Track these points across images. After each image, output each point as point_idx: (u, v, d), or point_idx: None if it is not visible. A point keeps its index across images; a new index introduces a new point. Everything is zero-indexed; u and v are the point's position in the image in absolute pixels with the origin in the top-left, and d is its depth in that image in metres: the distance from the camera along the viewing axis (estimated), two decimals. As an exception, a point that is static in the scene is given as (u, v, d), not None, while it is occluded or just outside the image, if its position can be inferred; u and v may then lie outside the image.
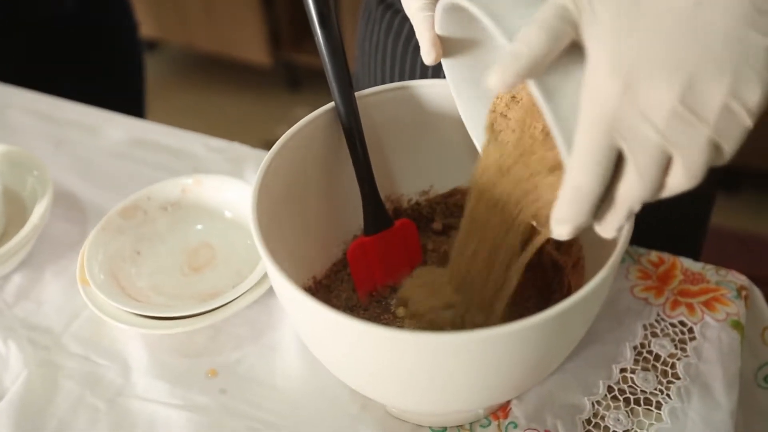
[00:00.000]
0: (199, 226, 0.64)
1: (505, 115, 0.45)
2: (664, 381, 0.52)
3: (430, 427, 0.50)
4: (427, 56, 0.45)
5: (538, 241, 0.44)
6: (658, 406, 0.51)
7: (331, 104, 0.49)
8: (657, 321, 0.56)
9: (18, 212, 0.65)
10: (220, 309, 0.54)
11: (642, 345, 0.54)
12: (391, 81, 0.51)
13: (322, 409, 0.52)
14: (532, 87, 0.36)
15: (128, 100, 1.11)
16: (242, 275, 0.59)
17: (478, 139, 0.48)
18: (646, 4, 0.32)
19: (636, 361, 0.53)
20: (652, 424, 0.50)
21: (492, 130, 0.45)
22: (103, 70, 1.06)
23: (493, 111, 0.45)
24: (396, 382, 0.42)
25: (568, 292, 0.51)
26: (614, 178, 0.34)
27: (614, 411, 0.50)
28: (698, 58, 0.31)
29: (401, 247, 0.54)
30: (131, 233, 0.62)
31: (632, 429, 0.49)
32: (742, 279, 0.58)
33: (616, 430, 0.49)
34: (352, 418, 0.51)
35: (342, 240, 0.55)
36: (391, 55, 0.68)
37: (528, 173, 0.42)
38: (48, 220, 0.64)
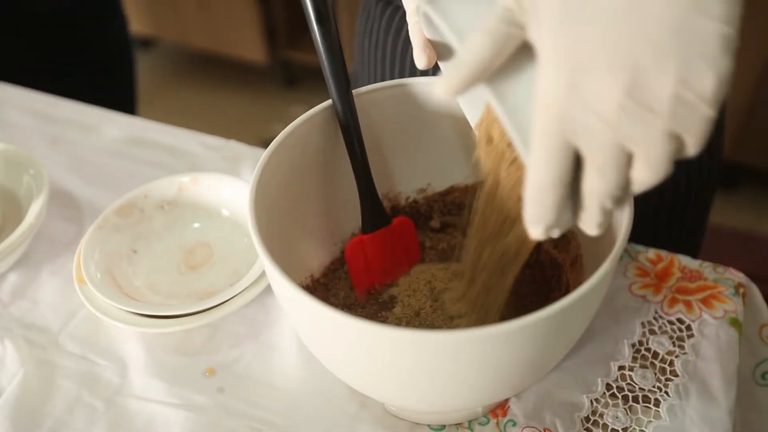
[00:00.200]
0: (196, 225, 0.63)
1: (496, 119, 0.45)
2: (663, 378, 0.52)
3: (428, 425, 0.50)
4: (419, 61, 0.45)
5: (531, 240, 0.44)
6: (657, 403, 0.51)
7: (328, 102, 0.49)
8: (655, 318, 0.56)
9: (14, 211, 0.64)
10: (218, 307, 0.54)
11: (640, 342, 0.54)
12: (391, 79, 0.51)
13: (321, 408, 0.52)
14: (486, 91, 0.36)
15: (120, 97, 1.11)
16: (240, 274, 0.59)
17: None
18: None
19: (634, 359, 0.53)
20: (650, 422, 0.50)
21: (487, 133, 0.45)
22: (93, 67, 1.05)
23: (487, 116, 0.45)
24: (395, 380, 0.42)
25: (567, 290, 0.51)
26: (579, 175, 0.34)
27: (613, 409, 0.50)
28: (642, 50, 0.30)
29: (399, 245, 0.54)
30: (128, 232, 0.61)
31: (631, 426, 0.49)
32: (739, 276, 0.58)
33: (614, 427, 0.49)
34: (351, 416, 0.51)
35: (340, 238, 0.55)
36: (391, 52, 0.68)
37: (519, 174, 0.42)
38: (44, 218, 0.64)
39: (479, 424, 0.50)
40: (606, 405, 0.51)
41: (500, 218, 0.45)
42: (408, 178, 0.56)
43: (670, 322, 0.55)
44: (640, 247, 0.60)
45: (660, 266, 0.59)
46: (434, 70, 0.65)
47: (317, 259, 0.54)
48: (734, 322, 0.55)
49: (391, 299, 0.53)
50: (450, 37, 0.37)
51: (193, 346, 0.56)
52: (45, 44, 0.98)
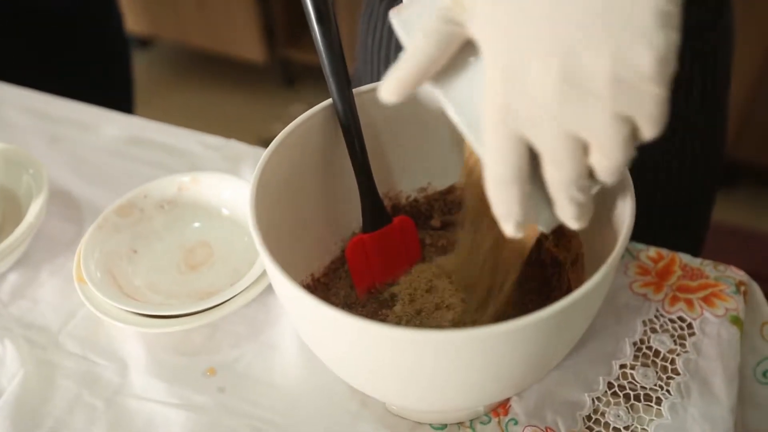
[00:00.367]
0: (197, 224, 0.63)
1: None
2: (664, 377, 0.52)
3: (430, 424, 0.50)
4: (385, 96, 0.44)
5: (528, 238, 0.44)
6: (658, 402, 0.50)
7: (329, 101, 0.49)
8: (656, 317, 0.55)
9: (13, 210, 0.64)
10: (218, 307, 0.54)
11: (641, 341, 0.54)
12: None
13: (322, 407, 0.51)
14: (435, 91, 0.36)
15: (116, 95, 1.11)
16: (240, 273, 0.59)
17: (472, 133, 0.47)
18: None
19: (636, 357, 0.53)
20: (652, 420, 0.50)
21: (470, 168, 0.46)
22: (91, 65, 1.05)
23: None
24: (396, 379, 0.42)
25: (568, 289, 0.50)
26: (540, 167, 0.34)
27: (614, 407, 0.50)
28: (572, 34, 0.30)
29: (400, 244, 0.54)
30: (128, 231, 0.61)
31: (632, 425, 0.49)
32: (740, 274, 0.58)
33: (616, 426, 0.49)
34: (352, 415, 0.51)
35: (340, 237, 0.55)
36: (395, 51, 0.68)
37: None
38: (44, 218, 0.63)
39: (481, 423, 0.50)
40: (608, 403, 0.51)
41: (493, 238, 0.45)
42: (408, 177, 0.56)
43: (672, 321, 0.55)
44: (640, 246, 0.60)
45: (661, 264, 0.59)
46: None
47: (318, 259, 0.54)
48: (735, 320, 0.55)
49: (392, 297, 0.53)
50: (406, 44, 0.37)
51: (193, 345, 0.56)
52: (43, 43, 0.98)
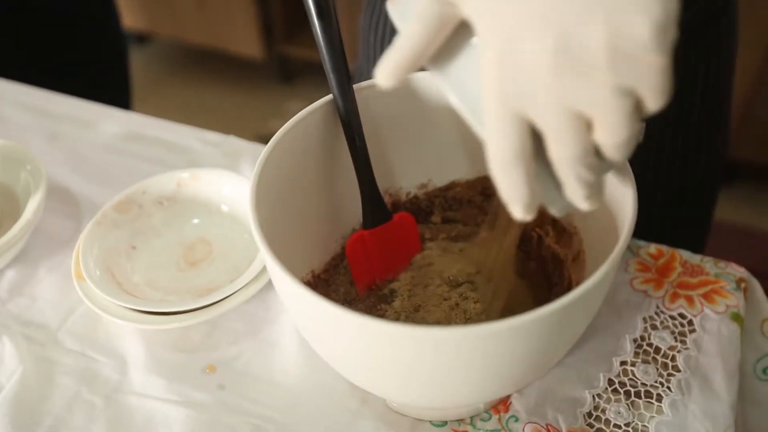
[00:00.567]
0: (196, 221, 0.63)
1: None
2: (665, 374, 0.52)
3: (430, 421, 0.50)
4: (382, 81, 0.44)
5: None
6: (659, 398, 0.50)
7: (329, 97, 0.48)
8: (657, 313, 0.55)
9: (11, 207, 0.64)
10: (218, 304, 0.54)
11: (642, 338, 0.54)
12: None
13: (322, 405, 0.51)
14: (433, 74, 0.36)
15: (114, 92, 1.11)
16: (239, 270, 0.59)
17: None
18: None
19: (636, 354, 0.53)
20: (653, 417, 0.49)
21: None
22: (88, 62, 1.05)
23: None
24: (396, 376, 0.41)
25: (569, 286, 0.50)
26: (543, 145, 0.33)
27: (615, 404, 0.50)
28: (566, 6, 0.29)
29: (400, 241, 0.53)
30: (126, 228, 0.61)
31: (633, 422, 0.49)
32: (741, 271, 0.58)
33: (617, 423, 0.49)
34: (352, 412, 0.51)
35: (340, 234, 0.55)
36: None
37: None
38: (42, 214, 0.63)
39: (481, 420, 0.50)
40: (608, 400, 0.51)
41: None
42: (409, 173, 0.56)
43: (672, 317, 0.55)
44: (641, 242, 0.60)
45: (661, 261, 0.59)
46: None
47: (318, 255, 0.54)
48: (736, 317, 0.55)
49: (391, 293, 0.53)
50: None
51: (192, 342, 0.56)
52: (41, 41, 0.97)
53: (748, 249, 1.43)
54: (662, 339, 0.54)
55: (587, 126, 0.32)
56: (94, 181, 0.69)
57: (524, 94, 0.31)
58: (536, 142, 0.34)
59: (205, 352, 0.55)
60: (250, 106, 2.06)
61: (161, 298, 0.57)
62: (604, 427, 0.49)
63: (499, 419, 0.50)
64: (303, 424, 0.50)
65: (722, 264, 0.58)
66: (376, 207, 0.52)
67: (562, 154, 0.32)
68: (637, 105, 0.31)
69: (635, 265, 0.58)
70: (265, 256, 0.40)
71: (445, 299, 0.51)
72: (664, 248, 0.60)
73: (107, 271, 0.57)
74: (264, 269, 0.56)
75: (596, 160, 0.33)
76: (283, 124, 0.47)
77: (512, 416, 0.50)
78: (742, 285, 0.57)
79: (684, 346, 0.53)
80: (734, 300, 0.56)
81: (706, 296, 0.56)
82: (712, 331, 0.54)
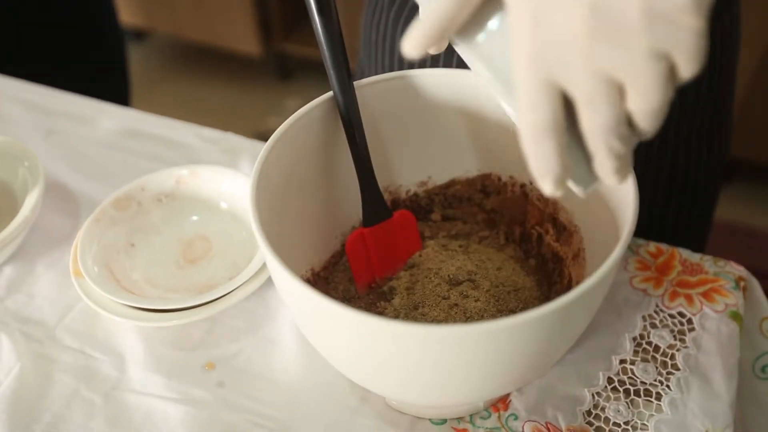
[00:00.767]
0: (195, 218, 0.63)
1: None
2: (664, 372, 0.52)
3: (430, 420, 0.50)
4: (409, 51, 0.44)
5: None
6: (658, 397, 0.50)
7: (330, 94, 0.48)
8: (656, 312, 0.55)
9: (9, 204, 0.64)
10: (217, 301, 0.54)
11: (641, 336, 0.54)
12: (401, 70, 0.50)
13: (321, 402, 0.51)
14: (457, 43, 0.35)
15: (113, 88, 1.10)
16: (239, 267, 0.59)
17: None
18: None
19: (635, 353, 0.53)
20: (652, 415, 0.49)
21: None
22: (85, 58, 1.04)
23: None
24: (396, 374, 0.41)
25: (569, 284, 0.50)
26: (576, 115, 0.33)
27: (614, 402, 0.50)
28: None
29: (400, 239, 0.53)
30: (125, 225, 0.61)
31: (633, 420, 0.49)
32: (740, 270, 0.58)
33: (616, 421, 0.49)
34: (352, 410, 0.51)
35: (340, 231, 0.55)
36: (400, 43, 0.67)
37: None
38: (39, 211, 0.63)
39: (481, 418, 0.50)
40: (608, 399, 0.51)
41: None
42: (409, 171, 0.56)
43: (671, 316, 0.55)
44: (641, 241, 0.60)
45: (661, 260, 0.59)
46: (446, 61, 0.64)
47: (317, 253, 0.54)
48: (735, 316, 0.55)
49: (391, 291, 0.53)
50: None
51: (191, 340, 0.55)
52: (39, 38, 0.97)
53: (748, 249, 1.43)
54: (662, 337, 0.54)
55: (621, 93, 0.31)
56: (92, 177, 0.69)
57: (558, 62, 0.31)
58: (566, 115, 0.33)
59: (204, 350, 0.55)
60: (247, 103, 2.06)
61: (160, 295, 0.57)
62: (603, 425, 0.49)
63: (499, 417, 0.50)
64: (302, 422, 0.50)
65: (721, 263, 0.58)
66: (376, 205, 0.52)
67: (596, 122, 0.32)
68: (672, 70, 0.30)
69: (635, 263, 0.58)
70: (266, 254, 0.40)
71: (445, 298, 0.50)
72: (664, 247, 0.60)
73: (106, 268, 0.57)
74: (263, 266, 0.55)
75: (628, 130, 0.32)
76: (281, 122, 0.47)
77: (512, 414, 0.50)
78: (742, 284, 0.57)
79: (683, 345, 0.53)
80: (733, 299, 0.56)
81: (705, 295, 0.56)
82: (712, 330, 0.54)
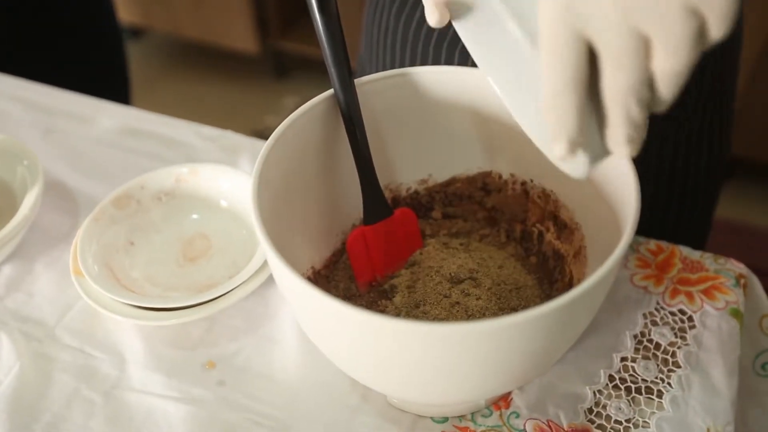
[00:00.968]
0: (195, 216, 0.63)
1: None
2: (665, 369, 0.52)
3: (431, 418, 0.50)
4: (430, 17, 0.43)
5: None
6: (660, 394, 0.50)
7: (330, 91, 0.48)
8: (657, 309, 0.55)
9: (8, 202, 0.63)
10: (217, 300, 0.54)
11: (642, 334, 0.54)
12: (402, 66, 0.50)
13: (322, 401, 0.51)
14: None
15: (113, 87, 1.10)
16: (238, 265, 0.58)
17: (506, 98, 0.45)
18: None
19: (636, 350, 0.53)
20: (653, 413, 0.49)
21: None
22: (84, 56, 1.04)
23: None
24: (397, 371, 0.41)
25: (570, 282, 0.50)
26: (597, 79, 0.33)
27: (616, 400, 0.50)
28: None
29: (401, 237, 0.53)
30: (124, 223, 0.61)
31: (634, 418, 0.49)
32: (740, 267, 0.58)
33: (618, 419, 0.49)
34: (352, 409, 0.51)
35: (341, 229, 0.55)
36: (401, 40, 0.67)
37: None
38: (39, 210, 0.63)
39: (482, 416, 0.50)
40: (609, 396, 0.51)
41: None
42: (409, 168, 0.56)
43: (672, 313, 0.55)
44: (641, 238, 0.60)
45: (661, 257, 0.59)
46: (448, 57, 0.64)
47: (318, 251, 0.53)
48: (735, 313, 0.55)
49: (392, 289, 0.53)
50: None
51: (191, 338, 0.55)
52: (37, 36, 0.96)
53: (748, 248, 1.43)
54: (662, 335, 0.54)
55: (647, 52, 0.31)
56: (92, 176, 0.69)
57: (588, 13, 0.31)
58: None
59: (204, 349, 0.55)
60: (244, 101, 2.05)
61: (160, 294, 0.57)
62: (605, 423, 0.49)
63: (501, 415, 0.50)
64: (303, 421, 0.50)
65: (722, 260, 0.58)
66: (377, 202, 0.51)
67: (619, 81, 0.32)
68: (702, 30, 0.30)
69: (635, 261, 0.58)
70: (268, 252, 0.40)
71: (446, 296, 0.50)
72: (664, 244, 0.60)
73: (105, 266, 0.57)
74: (263, 265, 0.55)
75: (648, 95, 0.32)
76: (278, 120, 0.47)
77: (513, 412, 0.50)
78: (742, 281, 0.57)
79: (684, 342, 0.53)
80: (734, 296, 0.56)
81: (705, 292, 0.56)
82: (712, 327, 0.54)
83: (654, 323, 0.55)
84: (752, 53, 1.46)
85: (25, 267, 0.61)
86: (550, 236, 0.53)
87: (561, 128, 0.33)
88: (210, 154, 0.71)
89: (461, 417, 0.50)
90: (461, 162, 0.55)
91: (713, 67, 0.63)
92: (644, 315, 0.55)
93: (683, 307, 0.56)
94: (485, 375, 0.41)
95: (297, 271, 0.39)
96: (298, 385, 0.52)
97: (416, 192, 0.57)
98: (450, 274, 0.52)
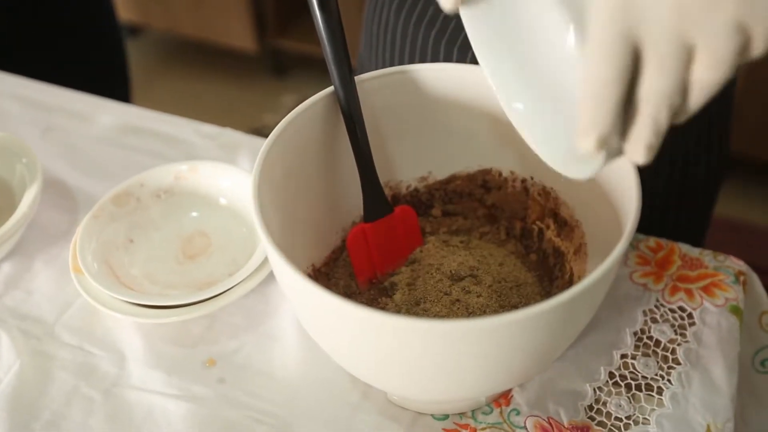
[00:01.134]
0: (194, 214, 0.63)
1: None
2: (665, 366, 0.52)
3: (432, 415, 0.50)
4: (444, 2, 0.43)
5: None
6: (660, 391, 0.50)
7: (330, 89, 0.48)
8: (656, 307, 0.55)
9: (7, 200, 0.63)
10: (217, 298, 0.54)
11: (642, 331, 0.54)
12: (401, 63, 0.50)
13: (322, 399, 0.51)
14: None
15: (112, 88, 1.10)
16: (238, 263, 0.58)
17: (505, 97, 0.45)
18: None
19: (636, 347, 0.53)
20: (653, 410, 0.50)
21: None
22: (83, 55, 1.04)
23: None
24: (398, 368, 0.41)
25: (570, 279, 0.50)
26: (635, 82, 0.33)
27: (616, 397, 0.50)
28: None
29: (401, 234, 0.53)
30: (124, 221, 0.61)
31: (634, 415, 0.49)
32: (740, 264, 0.58)
33: (618, 416, 0.49)
34: (353, 406, 0.51)
35: (341, 227, 0.55)
36: (401, 36, 0.67)
37: None
38: (38, 208, 0.63)
39: (483, 413, 0.50)
40: (609, 393, 0.51)
41: None
42: (409, 166, 0.56)
43: (672, 311, 0.55)
44: (640, 236, 0.60)
45: (660, 254, 0.59)
46: (447, 54, 0.63)
47: (318, 249, 0.53)
48: (735, 310, 0.55)
49: (392, 286, 0.53)
50: None
51: (191, 336, 0.55)
52: (36, 34, 0.96)
53: (747, 245, 1.43)
54: (662, 332, 0.54)
55: (689, 61, 0.31)
56: (91, 173, 0.69)
57: (642, 15, 0.31)
58: None
59: (204, 346, 0.55)
60: (242, 99, 2.05)
61: (160, 291, 0.57)
62: (605, 419, 0.49)
63: (501, 412, 0.50)
64: (303, 418, 0.50)
65: (721, 257, 0.58)
66: (377, 200, 0.51)
67: (657, 86, 0.32)
68: (746, 46, 0.31)
69: (635, 258, 0.58)
70: (268, 249, 0.40)
71: (446, 293, 0.50)
72: (664, 241, 0.60)
73: (105, 264, 0.57)
74: (263, 263, 0.55)
75: (679, 103, 0.33)
76: (276, 118, 0.47)
77: (514, 409, 0.50)
78: (741, 278, 0.57)
79: (684, 339, 0.53)
80: (733, 293, 0.56)
81: (705, 289, 0.56)
82: (712, 324, 0.54)
83: (654, 320, 0.55)
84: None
85: (24, 264, 0.61)
86: (550, 233, 0.53)
87: (594, 122, 0.34)
88: (209, 151, 0.71)
89: (462, 414, 0.50)
90: (461, 159, 0.55)
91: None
92: (644, 312, 0.55)
93: (683, 304, 0.56)
94: (486, 372, 0.41)
95: (297, 268, 0.39)
96: (299, 383, 0.52)
97: (416, 189, 0.57)
98: (450, 271, 0.52)
